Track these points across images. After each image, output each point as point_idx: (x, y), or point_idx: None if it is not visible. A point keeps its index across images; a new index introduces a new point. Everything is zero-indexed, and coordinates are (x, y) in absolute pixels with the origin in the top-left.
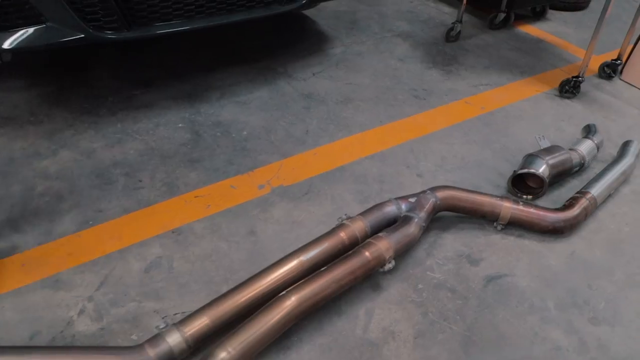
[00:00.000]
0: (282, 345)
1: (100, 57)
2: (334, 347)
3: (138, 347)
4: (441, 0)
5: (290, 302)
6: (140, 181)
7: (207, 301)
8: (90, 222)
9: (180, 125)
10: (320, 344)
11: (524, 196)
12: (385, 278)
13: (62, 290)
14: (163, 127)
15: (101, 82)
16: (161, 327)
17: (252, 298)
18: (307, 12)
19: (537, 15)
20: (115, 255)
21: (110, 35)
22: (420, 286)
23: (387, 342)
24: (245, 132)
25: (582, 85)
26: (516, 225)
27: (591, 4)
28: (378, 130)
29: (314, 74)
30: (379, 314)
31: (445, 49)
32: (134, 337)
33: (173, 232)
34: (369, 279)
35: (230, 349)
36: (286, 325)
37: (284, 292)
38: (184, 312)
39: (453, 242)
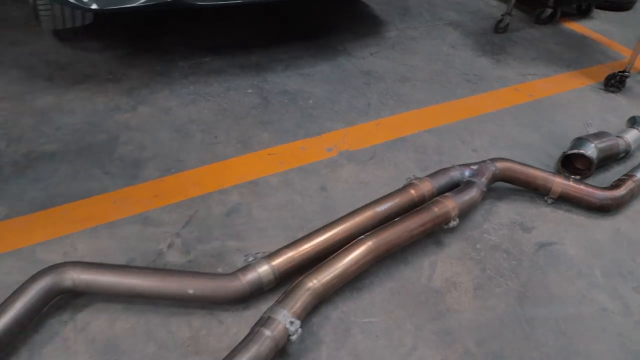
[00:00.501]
0: (355, 287)
1: (170, 26)
2: (402, 291)
3: (232, 275)
4: None
5: (368, 246)
6: (216, 137)
7: (285, 244)
8: (172, 170)
9: (249, 90)
10: (389, 287)
11: (572, 176)
12: (447, 236)
13: (151, 226)
14: (233, 92)
15: (172, 48)
16: (250, 259)
17: (332, 241)
18: None
19: (583, 14)
20: (197, 199)
21: (195, 1)
22: (478, 246)
23: (449, 291)
24: (311, 101)
25: (627, 80)
26: (566, 200)
27: (637, 5)
28: (434, 108)
29: (371, 54)
30: (441, 267)
31: (494, 39)
32: (219, 269)
33: (250, 183)
34: (432, 235)
35: (315, 281)
36: (364, 265)
37: (362, 237)
38: (265, 252)
39: (507, 211)
